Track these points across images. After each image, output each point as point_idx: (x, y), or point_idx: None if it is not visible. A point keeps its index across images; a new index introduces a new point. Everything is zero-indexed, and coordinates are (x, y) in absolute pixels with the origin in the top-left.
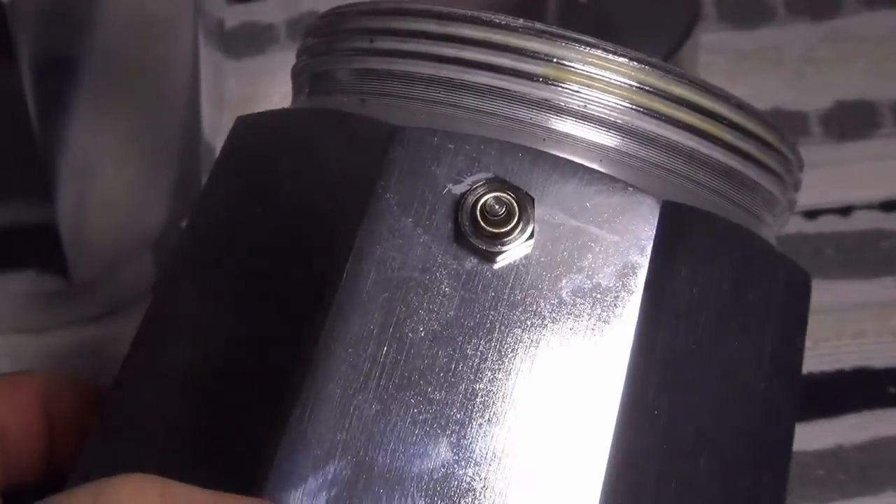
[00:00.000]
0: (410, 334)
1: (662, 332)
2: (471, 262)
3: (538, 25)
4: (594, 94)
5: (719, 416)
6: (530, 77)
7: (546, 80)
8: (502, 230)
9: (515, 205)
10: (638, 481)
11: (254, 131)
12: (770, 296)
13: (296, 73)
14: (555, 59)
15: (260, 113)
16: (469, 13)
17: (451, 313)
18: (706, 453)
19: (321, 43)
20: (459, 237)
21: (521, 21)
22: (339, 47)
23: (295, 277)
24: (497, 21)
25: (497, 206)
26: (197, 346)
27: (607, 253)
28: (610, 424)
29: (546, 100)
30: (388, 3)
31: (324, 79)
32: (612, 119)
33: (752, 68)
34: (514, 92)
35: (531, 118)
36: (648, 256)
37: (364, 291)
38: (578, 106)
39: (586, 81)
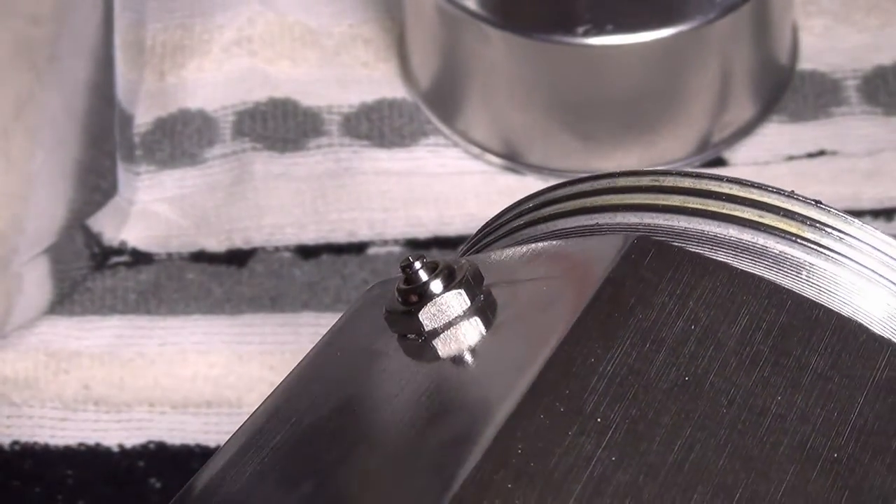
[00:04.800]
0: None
1: (621, 349)
2: (396, 337)
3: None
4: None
5: (731, 452)
6: None
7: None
8: (419, 283)
9: (439, 263)
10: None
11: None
12: (861, 374)
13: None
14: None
15: None
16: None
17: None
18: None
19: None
20: (386, 315)
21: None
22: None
23: None
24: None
25: (415, 262)
26: None
27: (551, 291)
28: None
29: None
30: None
31: None
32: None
33: (873, 5)
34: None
35: None
36: (597, 283)
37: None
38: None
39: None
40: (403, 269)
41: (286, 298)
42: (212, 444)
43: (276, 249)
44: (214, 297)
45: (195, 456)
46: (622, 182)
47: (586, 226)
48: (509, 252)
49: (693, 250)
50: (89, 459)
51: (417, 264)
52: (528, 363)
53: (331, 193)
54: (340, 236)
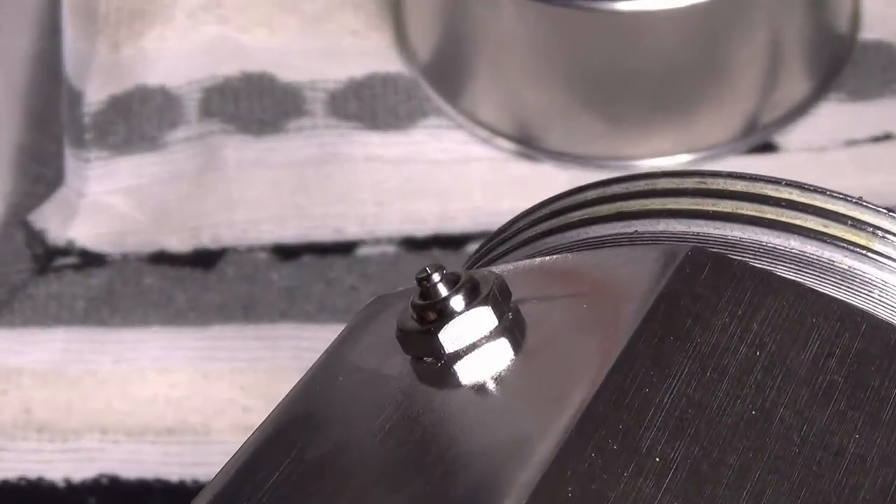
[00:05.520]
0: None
1: (678, 378)
2: (409, 360)
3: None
4: None
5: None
6: None
7: None
8: (438, 298)
9: (461, 276)
10: None
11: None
12: None
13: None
14: None
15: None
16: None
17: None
18: None
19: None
20: (398, 333)
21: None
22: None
23: None
24: None
25: (434, 274)
26: None
27: (593, 309)
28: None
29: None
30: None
31: None
32: None
33: None
34: None
35: None
36: (648, 301)
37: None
38: None
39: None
40: (420, 281)
41: (261, 307)
42: (173, 478)
43: (250, 249)
44: (177, 305)
45: (153, 492)
46: (664, 184)
47: (624, 234)
48: (537, 263)
49: (752, 264)
50: (31, 495)
51: (436, 276)
52: (570, 393)
53: (314, 184)
54: (325, 234)
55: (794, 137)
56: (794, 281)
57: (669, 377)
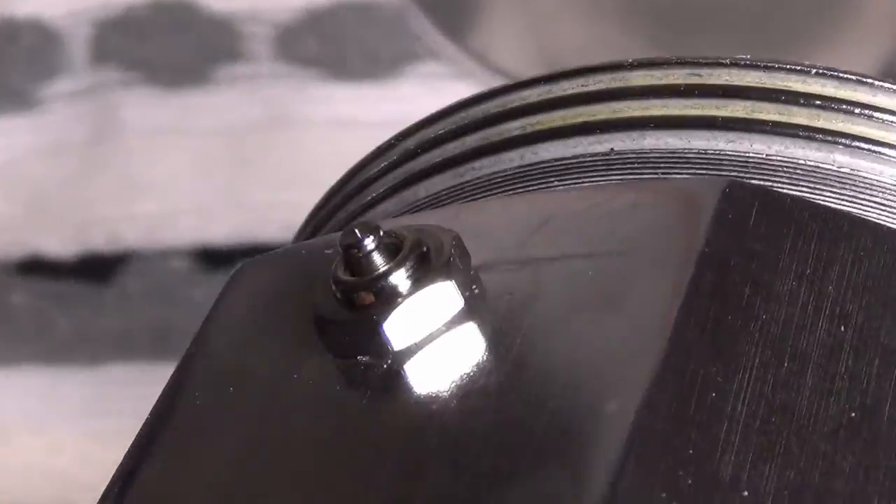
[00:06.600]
0: None
1: (750, 374)
2: (331, 360)
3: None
4: None
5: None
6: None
7: None
8: (375, 272)
9: (406, 237)
10: None
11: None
12: None
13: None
14: None
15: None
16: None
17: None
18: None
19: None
20: (317, 324)
21: None
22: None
23: None
24: None
25: (366, 239)
26: None
27: (605, 278)
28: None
29: None
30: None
31: None
32: None
33: None
34: None
35: None
36: (689, 265)
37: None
38: None
39: None
40: (347, 249)
41: (179, 337)
42: None
43: (163, 254)
44: (59, 334)
45: None
46: (640, 79)
47: (596, 155)
48: (488, 206)
49: (803, 197)
50: None
51: (370, 241)
52: (603, 408)
53: (255, 159)
54: (271, 231)
55: None
56: (867, 220)
57: (738, 373)
